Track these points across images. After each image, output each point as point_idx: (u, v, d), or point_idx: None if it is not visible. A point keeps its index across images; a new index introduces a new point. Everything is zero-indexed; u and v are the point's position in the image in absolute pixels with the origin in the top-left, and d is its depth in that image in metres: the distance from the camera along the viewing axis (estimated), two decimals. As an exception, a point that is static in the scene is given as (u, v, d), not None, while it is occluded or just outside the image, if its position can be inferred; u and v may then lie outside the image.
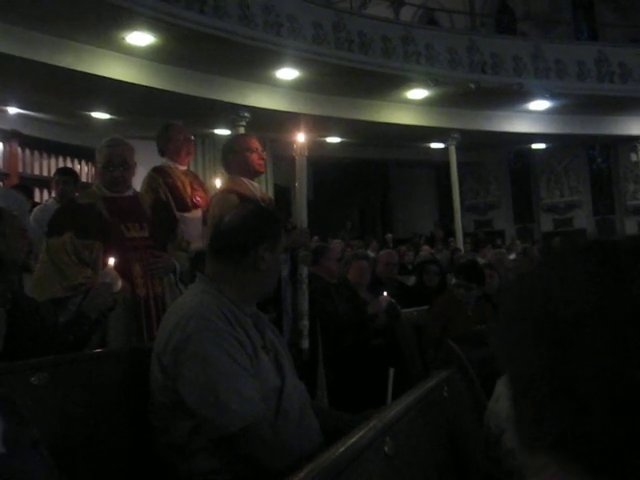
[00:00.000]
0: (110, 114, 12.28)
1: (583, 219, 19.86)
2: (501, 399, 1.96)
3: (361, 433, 1.46)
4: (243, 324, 2.22)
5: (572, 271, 0.68)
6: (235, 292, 2.27)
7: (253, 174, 4.12)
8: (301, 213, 3.69)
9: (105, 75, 10.09)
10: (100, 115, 12.32)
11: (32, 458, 1.48)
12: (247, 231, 2.31)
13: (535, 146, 18.17)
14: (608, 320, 0.63)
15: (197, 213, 4.55)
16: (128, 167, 3.82)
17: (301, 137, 3.66)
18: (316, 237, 12.18)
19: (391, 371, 2.55)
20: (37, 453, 1.50)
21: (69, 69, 9.62)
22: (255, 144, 4.15)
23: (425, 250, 13.20)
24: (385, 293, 5.17)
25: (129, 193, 3.81)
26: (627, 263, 0.65)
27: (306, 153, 3.71)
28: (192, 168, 7.70)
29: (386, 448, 1.48)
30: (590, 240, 0.72)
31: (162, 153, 4.83)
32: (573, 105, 14.72)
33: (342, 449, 1.36)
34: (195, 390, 2.07)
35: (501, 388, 1.99)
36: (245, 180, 4.05)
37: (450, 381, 2.32)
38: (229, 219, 2.37)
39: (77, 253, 3.43)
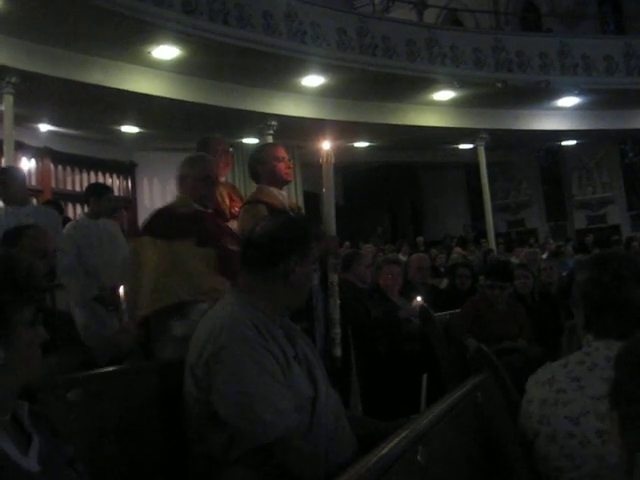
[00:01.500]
0: (139, 127, 12.43)
1: (617, 215, 19.59)
2: (534, 401, 1.94)
3: (393, 443, 1.45)
4: (274, 335, 2.23)
5: None
6: (266, 303, 2.28)
7: (282, 183, 4.13)
8: (329, 220, 3.69)
9: (133, 90, 10.24)
10: (129, 129, 12.48)
11: (67, 476, 1.49)
12: (277, 242, 2.31)
13: (565, 143, 17.99)
14: None
15: (235, 224, 4.58)
16: (217, 184, 3.85)
17: (327, 144, 3.66)
18: (347, 243, 12.19)
19: (424, 377, 2.53)
20: (72, 470, 1.52)
21: (97, 85, 9.78)
22: (282, 153, 4.15)
23: (457, 252, 13.13)
24: (419, 298, 5.15)
25: (210, 209, 3.81)
26: None
27: (333, 160, 3.71)
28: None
29: (419, 457, 1.47)
30: None
31: None
32: (602, 100, 14.55)
33: (374, 459, 1.36)
34: (228, 401, 2.08)
35: (533, 390, 1.97)
36: (274, 190, 4.05)
37: (484, 386, 2.30)
38: (259, 230, 2.37)
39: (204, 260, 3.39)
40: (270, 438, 2.04)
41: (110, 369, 2.40)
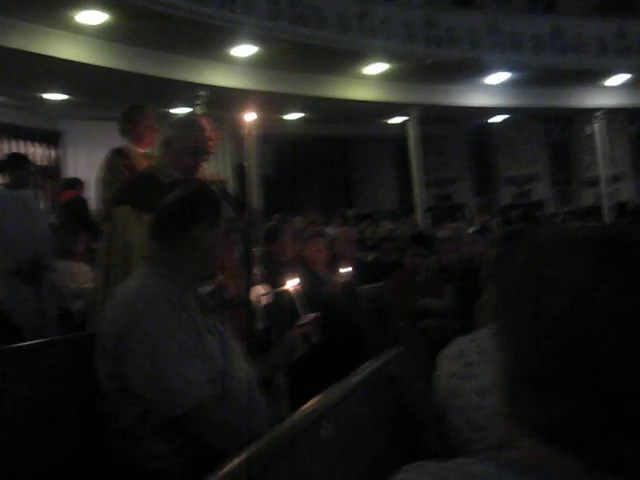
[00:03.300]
0: (65, 95, 12.07)
1: (542, 191, 20.10)
2: (443, 375, 1.98)
3: (300, 416, 1.46)
4: (187, 306, 2.21)
5: (572, 265, 0.70)
6: (176, 274, 2.26)
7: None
8: (252, 192, 3.66)
9: (58, 56, 9.92)
10: (54, 97, 12.11)
11: None
12: (186, 210, 2.29)
13: (493, 119, 18.29)
14: (618, 320, 0.65)
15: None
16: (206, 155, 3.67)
17: (250, 116, 3.61)
18: (276, 215, 12.16)
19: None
20: None
21: (19, 50, 9.42)
22: (207, 124, 4.09)
23: (384, 226, 13.24)
24: (342, 270, 5.16)
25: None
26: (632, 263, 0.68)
27: (259, 131, 3.67)
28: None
29: (326, 430, 1.48)
30: (582, 234, 0.74)
31: (124, 134, 4.72)
32: (530, 78, 14.84)
33: (280, 432, 1.37)
34: (141, 374, 2.07)
35: (443, 364, 2.01)
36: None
37: (399, 360, 2.33)
38: (169, 199, 2.35)
39: None
40: (184, 409, 2.04)
41: (17, 345, 2.33)
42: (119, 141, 4.82)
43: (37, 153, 13.37)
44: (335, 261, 5.91)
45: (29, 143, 13.43)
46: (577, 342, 0.66)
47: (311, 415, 1.46)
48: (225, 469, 1.19)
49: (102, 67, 10.51)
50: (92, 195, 7.92)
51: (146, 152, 4.73)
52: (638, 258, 0.68)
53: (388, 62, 13.00)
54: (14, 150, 12.10)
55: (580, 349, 0.66)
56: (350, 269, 5.13)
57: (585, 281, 0.67)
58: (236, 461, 1.22)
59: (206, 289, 2.58)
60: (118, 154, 4.52)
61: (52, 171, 13.47)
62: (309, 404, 1.53)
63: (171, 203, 2.33)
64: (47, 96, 12.06)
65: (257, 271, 3.60)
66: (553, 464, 0.69)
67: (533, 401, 0.71)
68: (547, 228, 0.70)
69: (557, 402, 0.68)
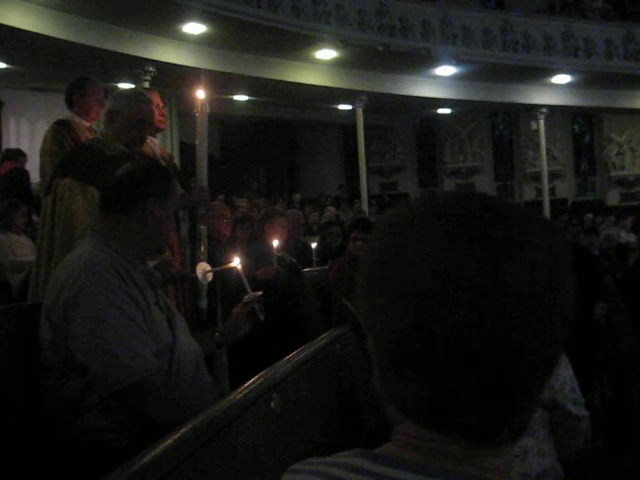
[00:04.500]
0: (7, 64, 11.73)
1: (484, 184, 20.42)
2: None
3: (248, 389, 1.47)
4: (134, 279, 2.19)
5: (420, 242, 0.69)
6: (125, 247, 2.24)
7: (153, 130, 4.02)
8: (201, 171, 3.63)
9: (1, 22, 9.60)
10: (-4, 64, 11.76)
11: None
12: (135, 184, 2.27)
13: (441, 111, 18.48)
14: (475, 291, 0.65)
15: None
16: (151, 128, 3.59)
17: (201, 93, 3.58)
18: (221, 196, 12.09)
19: None
20: None
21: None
22: (156, 99, 4.04)
23: (330, 211, 13.29)
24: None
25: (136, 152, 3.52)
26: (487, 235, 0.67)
27: (207, 110, 3.64)
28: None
29: (272, 404, 1.50)
30: (428, 209, 0.73)
31: (70, 105, 4.61)
32: (478, 72, 15.03)
33: (227, 405, 1.37)
34: (86, 346, 2.05)
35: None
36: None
37: (344, 339, 2.36)
38: (119, 172, 2.32)
39: None
40: (128, 382, 2.02)
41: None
42: (61, 113, 4.72)
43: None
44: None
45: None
46: (426, 318, 0.66)
47: (260, 387, 1.47)
48: (170, 440, 1.19)
49: (48, 36, 10.22)
50: (32, 167, 7.77)
51: (91, 126, 4.64)
52: (480, 230, 0.67)
53: (339, 48, 12.99)
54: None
55: (430, 324, 0.66)
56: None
57: (432, 257, 0.67)
58: (182, 431, 1.22)
59: (151, 264, 2.55)
60: (63, 125, 4.43)
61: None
62: (257, 377, 1.54)
63: (123, 176, 2.30)
64: (-11, 63, 11.71)
65: (202, 248, 3.58)
66: (435, 446, 0.70)
67: (396, 381, 0.71)
68: (400, 206, 0.67)
69: (418, 380, 0.68)
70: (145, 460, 1.09)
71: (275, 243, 4.92)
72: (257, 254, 5.28)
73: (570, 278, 0.70)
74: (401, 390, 0.70)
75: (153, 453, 1.12)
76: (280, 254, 5.07)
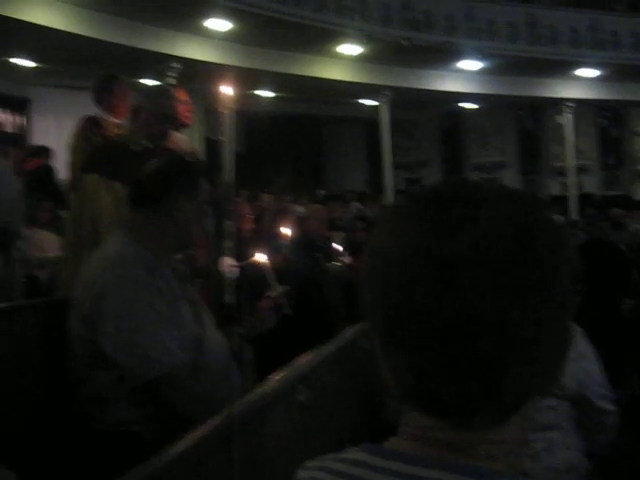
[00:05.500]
0: (35, 62, 11.83)
1: (509, 179, 20.24)
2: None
3: (275, 382, 1.48)
4: (163, 274, 2.22)
5: (404, 221, 0.72)
6: (153, 242, 2.26)
7: (180, 126, 4.05)
8: (227, 167, 3.65)
9: (28, 20, 9.67)
10: (23, 63, 11.85)
11: None
12: (165, 180, 2.29)
13: (465, 106, 18.36)
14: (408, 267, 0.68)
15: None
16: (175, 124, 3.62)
17: (228, 90, 3.60)
18: (245, 192, 12.11)
19: None
20: None
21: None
22: (183, 95, 4.06)
23: (355, 207, 13.26)
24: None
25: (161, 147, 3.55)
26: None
27: (234, 106, 3.66)
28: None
29: (300, 396, 1.51)
30: (417, 195, 0.76)
31: (99, 102, 4.64)
32: (503, 66, 14.90)
33: (256, 397, 1.38)
34: (115, 339, 2.08)
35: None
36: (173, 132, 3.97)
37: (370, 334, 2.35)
38: (148, 168, 2.34)
39: None
40: (156, 375, 2.05)
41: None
42: (87, 110, 4.74)
43: (3, 119, 13.10)
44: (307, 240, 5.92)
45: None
46: (398, 295, 0.68)
47: (289, 380, 1.49)
48: (204, 430, 1.21)
49: (74, 34, 10.29)
50: (59, 163, 7.83)
51: (119, 122, 4.68)
52: (443, 208, 0.69)
53: (364, 43, 12.95)
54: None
55: (402, 301, 0.68)
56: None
57: (401, 237, 0.70)
58: (215, 422, 1.24)
59: (176, 258, 2.57)
60: (91, 122, 4.46)
61: (19, 138, 13.22)
62: (285, 370, 1.56)
63: (152, 173, 2.33)
64: (15, 61, 11.79)
65: (228, 243, 3.60)
66: (433, 435, 0.71)
67: (390, 367, 0.72)
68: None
69: (402, 361, 0.70)
70: (177, 450, 1.11)
71: (286, 236, 4.92)
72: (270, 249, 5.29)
73: (554, 255, 0.69)
74: (394, 375, 0.72)
75: (186, 443, 1.14)
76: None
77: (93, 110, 4.66)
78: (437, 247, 0.66)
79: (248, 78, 11.91)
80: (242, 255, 3.88)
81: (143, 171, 2.35)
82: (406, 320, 0.68)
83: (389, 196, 15.08)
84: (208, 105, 12.96)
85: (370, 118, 17.09)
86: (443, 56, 14.13)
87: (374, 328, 0.74)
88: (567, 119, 16.80)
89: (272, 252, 5.20)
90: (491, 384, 0.67)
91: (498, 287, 0.66)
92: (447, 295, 0.66)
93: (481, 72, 15.24)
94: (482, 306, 0.65)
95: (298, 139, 21.30)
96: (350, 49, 13.32)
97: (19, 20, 9.56)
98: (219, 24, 11.43)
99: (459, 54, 14.19)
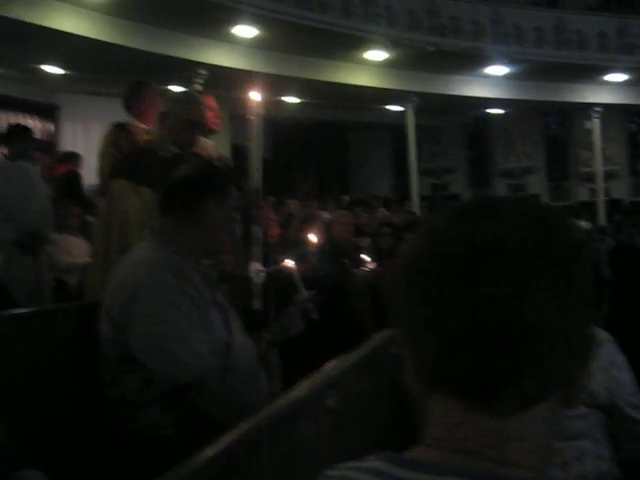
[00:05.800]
0: (63, 69, 11.98)
1: (537, 185, 20.10)
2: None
3: (305, 387, 1.48)
4: (192, 278, 2.23)
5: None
6: (183, 247, 2.28)
7: (207, 132, 4.08)
8: (255, 173, 3.66)
9: (56, 28, 9.79)
10: (52, 70, 12.00)
11: None
12: (195, 186, 2.30)
13: (492, 111, 18.27)
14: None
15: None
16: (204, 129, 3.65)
17: (256, 96, 3.61)
18: (272, 197, 12.15)
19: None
20: None
21: (17, 20, 9.26)
22: (211, 102, 4.09)
23: (381, 213, 13.24)
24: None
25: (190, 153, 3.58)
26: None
27: (261, 113, 3.67)
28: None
29: (330, 402, 1.51)
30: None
31: (128, 109, 4.68)
32: (530, 71, 14.81)
33: (285, 402, 1.39)
34: (145, 343, 2.09)
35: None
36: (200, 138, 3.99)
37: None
38: (178, 174, 2.36)
39: None
40: (186, 379, 2.06)
41: (21, 311, 2.35)
42: (115, 116, 4.78)
43: (32, 126, 13.23)
44: (334, 246, 5.91)
45: (25, 115, 13.30)
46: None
47: (318, 385, 1.49)
48: (234, 435, 1.21)
49: (102, 41, 10.40)
50: (87, 170, 7.91)
51: (148, 129, 4.72)
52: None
53: (390, 49, 12.95)
54: (10, 122, 12.01)
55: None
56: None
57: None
58: (244, 427, 1.24)
59: (205, 263, 2.59)
60: (121, 128, 4.50)
61: (48, 145, 13.37)
62: (315, 375, 1.56)
63: (183, 179, 2.34)
64: (44, 68, 11.94)
65: (255, 249, 3.61)
66: (451, 434, 0.72)
67: (413, 350, 0.75)
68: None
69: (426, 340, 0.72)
70: (207, 455, 1.11)
71: (313, 243, 4.92)
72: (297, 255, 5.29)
73: (573, 259, 0.73)
74: (418, 357, 0.75)
75: (216, 448, 1.14)
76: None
77: (121, 116, 4.71)
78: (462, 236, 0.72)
79: (274, 84, 11.95)
80: (268, 261, 3.89)
81: (174, 177, 2.36)
82: (438, 312, 0.71)
83: (415, 202, 15.03)
84: (234, 111, 13.04)
85: (396, 124, 17.06)
86: (469, 61, 14.07)
87: (405, 316, 0.76)
88: (595, 124, 16.65)
89: (299, 259, 5.23)
90: (514, 362, 0.69)
91: (524, 288, 0.69)
92: (479, 291, 0.69)
93: (508, 77, 15.16)
94: (512, 305, 0.69)
95: (324, 145, 21.32)
96: (376, 55, 13.32)
97: (48, 28, 9.68)
98: (246, 31, 11.49)
99: (486, 59, 14.13)
